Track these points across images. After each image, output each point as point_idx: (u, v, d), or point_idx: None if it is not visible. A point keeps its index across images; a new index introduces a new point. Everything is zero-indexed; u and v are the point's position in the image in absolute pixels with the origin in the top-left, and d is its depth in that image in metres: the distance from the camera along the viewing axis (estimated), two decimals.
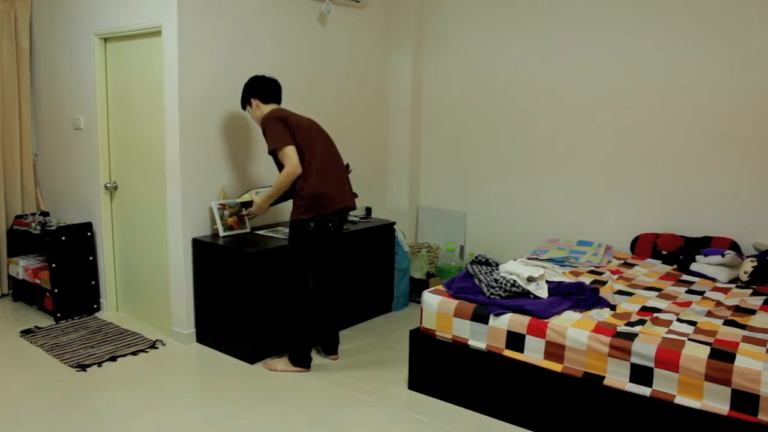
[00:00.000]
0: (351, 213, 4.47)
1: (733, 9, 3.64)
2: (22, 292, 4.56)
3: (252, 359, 3.53)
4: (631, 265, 3.78)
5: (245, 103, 3.48)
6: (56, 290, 4.16)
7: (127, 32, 3.88)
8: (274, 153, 3.26)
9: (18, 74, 4.62)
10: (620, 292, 3.21)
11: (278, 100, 3.47)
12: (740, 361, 2.32)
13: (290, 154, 3.19)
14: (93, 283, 4.35)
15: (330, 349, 3.62)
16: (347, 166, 3.64)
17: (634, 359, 2.50)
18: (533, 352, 2.77)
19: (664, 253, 3.90)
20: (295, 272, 3.35)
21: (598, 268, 3.69)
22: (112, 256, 4.35)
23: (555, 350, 2.71)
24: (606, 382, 2.58)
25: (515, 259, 3.54)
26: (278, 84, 3.48)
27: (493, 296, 2.98)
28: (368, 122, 4.88)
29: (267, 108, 3.39)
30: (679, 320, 2.76)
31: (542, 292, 3.00)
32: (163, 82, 3.64)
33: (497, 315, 2.87)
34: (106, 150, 4.22)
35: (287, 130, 3.22)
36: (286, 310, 3.41)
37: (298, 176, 3.23)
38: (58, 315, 4.18)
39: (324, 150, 3.33)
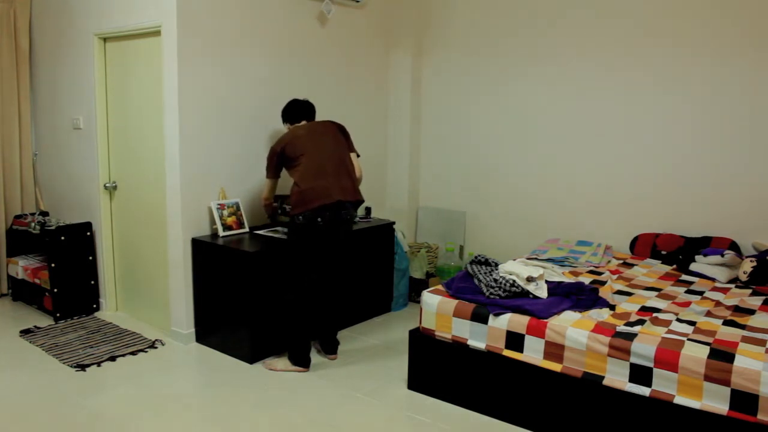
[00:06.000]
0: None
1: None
2: (22, 292, 4.56)
3: (251, 359, 3.53)
4: (631, 265, 3.77)
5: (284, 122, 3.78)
6: (55, 290, 4.16)
7: (126, 32, 3.88)
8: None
9: (17, 74, 4.61)
10: (620, 292, 3.21)
11: (308, 118, 3.67)
12: (739, 361, 2.32)
13: (268, 185, 3.63)
14: (92, 282, 4.35)
15: (329, 349, 3.62)
16: None
17: (633, 359, 2.50)
18: (533, 352, 2.77)
19: (663, 253, 3.90)
20: (294, 269, 3.38)
21: (598, 268, 3.69)
22: (112, 256, 4.35)
23: (554, 350, 2.71)
24: (605, 382, 2.58)
25: (515, 259, 3.54)
26: (308, 104, 3.69)
27: (492, 296, 2.98)
28: (368, 122, 4.88)
29: (293, 128, 3.63)
30: (679, 320, 2.76)
31: (542, 292, 3.00)
32: (162, 82, 3.64)
33: (497, 315, 2.87)
34: (105, 150, 4.22)
35: (279, 162, 3.49)
36: (284, 309, 3.42)
37: (292, 181, 3.42)
38: (58, 315, 4.18)
39: (319, 150, 3.38)
